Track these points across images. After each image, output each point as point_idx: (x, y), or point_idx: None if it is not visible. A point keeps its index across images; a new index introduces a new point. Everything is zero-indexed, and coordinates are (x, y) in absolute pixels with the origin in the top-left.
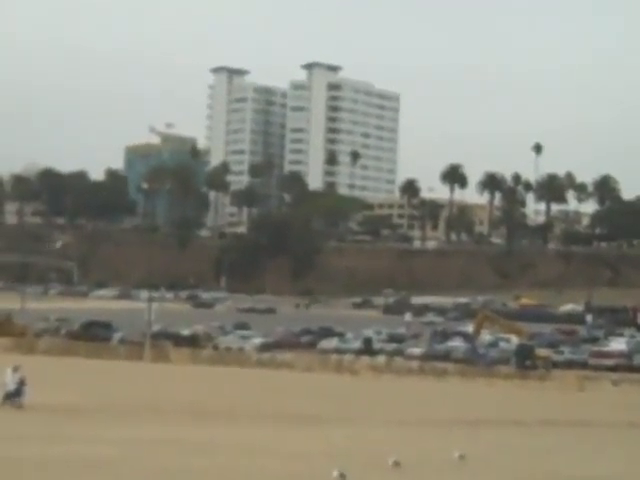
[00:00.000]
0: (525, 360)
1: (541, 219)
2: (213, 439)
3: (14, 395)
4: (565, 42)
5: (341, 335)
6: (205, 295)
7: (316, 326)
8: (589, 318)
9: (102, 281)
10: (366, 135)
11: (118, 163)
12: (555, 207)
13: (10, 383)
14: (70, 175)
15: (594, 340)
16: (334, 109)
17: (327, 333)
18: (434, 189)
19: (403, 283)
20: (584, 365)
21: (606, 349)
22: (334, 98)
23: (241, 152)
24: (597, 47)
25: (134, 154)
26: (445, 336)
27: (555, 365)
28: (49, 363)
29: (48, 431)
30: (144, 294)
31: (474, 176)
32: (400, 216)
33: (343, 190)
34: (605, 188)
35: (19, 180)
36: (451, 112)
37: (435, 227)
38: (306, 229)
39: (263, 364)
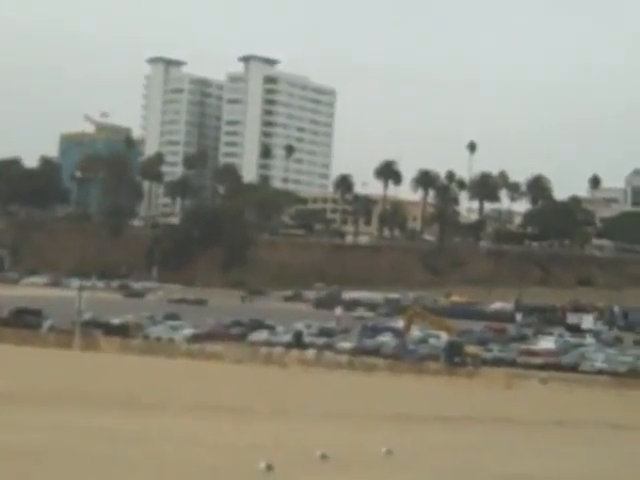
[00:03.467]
0: (454, 357)
1: (474, 217)
2: (142, 428)
3: None
4: (505, 40)
5: (271, 328)
6: (136, 285)
7: (247, 318)
8: (519, 317)
9: (33, 268)
10: (301, 129)
11: (52, 151)
12: (488, 206)
13: None
14: (3, 161)
15: (523, 338)
16: (270, 102)
17: (257, 326)
18: (368, 185)
19: (335, 278)
20: (513, 363)
21: (535, 348)
22: (270, 91)
23: (176, 143)
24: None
25: (69, 142)
26: (375, 331)
27: (484, 362)
28: None
29: None
30: (75, 282)
31: (408, 173)
32: (333, 211)
33: (277, 184)
34: (538, 188)
35: None
36: (387, 109)
37: (368, 223)
38: (239, 221)
39: (193, 355)
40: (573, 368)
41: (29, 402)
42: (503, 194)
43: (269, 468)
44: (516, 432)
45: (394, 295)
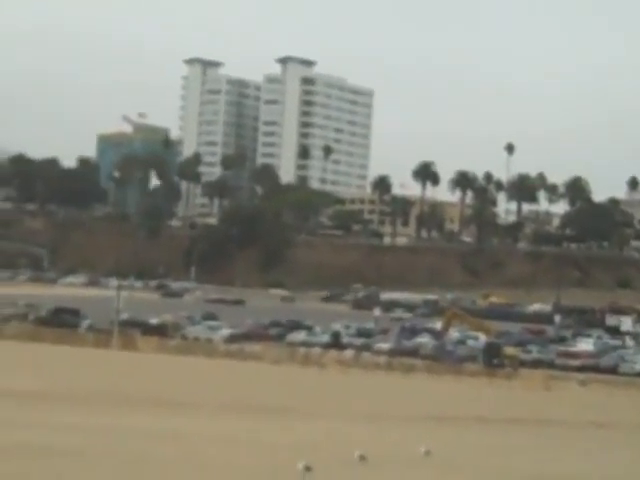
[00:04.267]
0: (493, 358)
1: (512, 218)
2: (180, 428)
3: None
4: (538, 44)
5: (310, 328)
6: (174, 285)
7: (285, 319)
8: (557, 318)
9: (72, 268)
10: (339, 130)
11: (90, 151)
12: (526, 207)
13: None
14: (42, 162)
15: (562, 340)
16: (307, 103)
17: (296, 326)
18: (406, 186)
19: (372, 278)
20: (551, 365)
21: (573, 349)
22: (308, 92)
23: (214, 144)
24: (569, 49)
25: (106, 143)
26: (413, 332)
27: (522, 364)
28: (16, 348)
29: (12, 417)
30: (113, 282)
31: (446, 174)
32: (371, 212)
33: (315, 184)
34: (576, 189)
35: None
36: (425, 110)
37: (406, 224)
38: (277, 222)
39: (231, 355)
40: (612, 370)
41: (68, 402)
42: (541, 195)
43: (308, 469)
44: (555, 434)
45: (432, 296)
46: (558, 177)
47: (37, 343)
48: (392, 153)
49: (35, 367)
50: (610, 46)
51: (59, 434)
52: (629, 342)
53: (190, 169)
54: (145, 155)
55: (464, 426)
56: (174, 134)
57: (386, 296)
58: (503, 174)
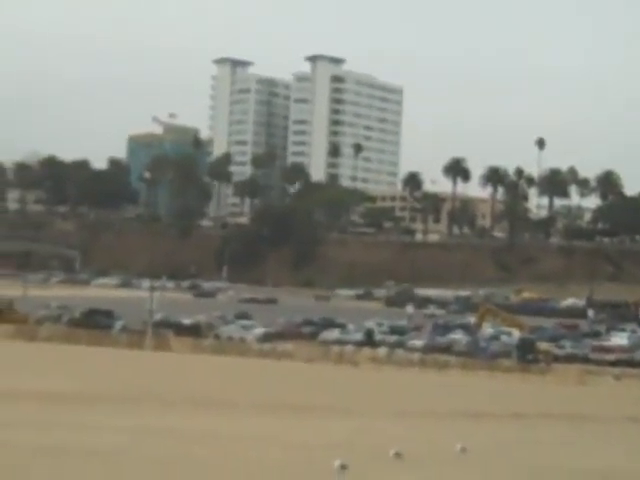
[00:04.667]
0: (526, 354)
1: (543, 213)
2: (214, 428)
3: None
4: (567, 38)
5: (342, 326)
6: (206, 285)
7: (318, 317)
8: (591, 313)
9: (104, 269)
10: (369, 128)
11: (121, 152)
12: (558, 202)
13: None
14: (72, 163)
15: (596, 335)
16: (337, 101)
17: (329, 324)
18: (437, 182)
19: (404, 276)
20: (585, 359)
21: (607, 344)
22: (337, 90)
23: (244, 143)
24: (599, 43)
25: (137, 143)
26: (447, 329)
27: (556, 359)
28: (50, 350)
29: (47, 418)
30: (146, 283)
31: (477, 170)
32: (402, 209)
33: (345, 182)
34: (608, 183)
35: (21, 168)
36: (454, 106)
37: (437, 220)
38: (308, 220)
39: (264, 354)
40: None
41: (101, 403)
42: (573, 190)
43: (343, 467)
44: (590, 428)
45: (465, 292)
46: (589, 171)
47: (71, 345)
48: (422, 150)
49: (70, 368)
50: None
51: (95, 435)
52: None
53: (221, 169)
54: (175, 155)
55: (499, 422)
56: (204, 134)
57: (419, 293)
58: (534, 169)
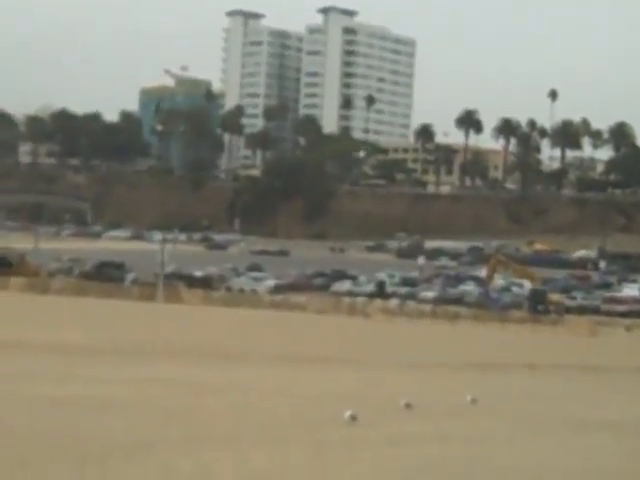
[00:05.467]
0: (538, 305)
1: (556, 165)
2: (226, 380)
3: None
4: None
5: (354, 278)
6: (218, 237)
7: (329, 269)
8: (602, 264)
9: (116, 222)
10: (381, 80)
11: (133, 105)
12: (570, 153)
13: None
14: (84, 116)
15: (607, 286)
16: (349, 53)
17: (340, 276)
18: (449, 134)
19: (416, 227)
20: (597, 311)
21: (619, 295)
22: (350, 42)
23: (256, 95)
24: None
25: (149, 96)
26: (458, 280)
27: (567, 310)
28: (62, 303)
29: (61, 371)
30: (157, 235)
31: (489, 122)
32: (414, 161)
33: (358, 134)
34: (620, 135)
35: (33, 121)
36: (467, 58)
37: (449, 172)
38: (320, 173)
39: (276, 306)
40: None
41: (113, 355)
42: (585, 142)
43: (353, 418)
44: (600, 380)
45: (476, 244)
46: (602, 123)
47: (82, 297)
48: (435, 102)
49: (81, 321)
50: None
51: (108, 387)
52: None
53: (232, 121)
54: (187, 108)
55: (510, 373)
56: (216, 86)
57: (430, 244)
58: (547, 121)
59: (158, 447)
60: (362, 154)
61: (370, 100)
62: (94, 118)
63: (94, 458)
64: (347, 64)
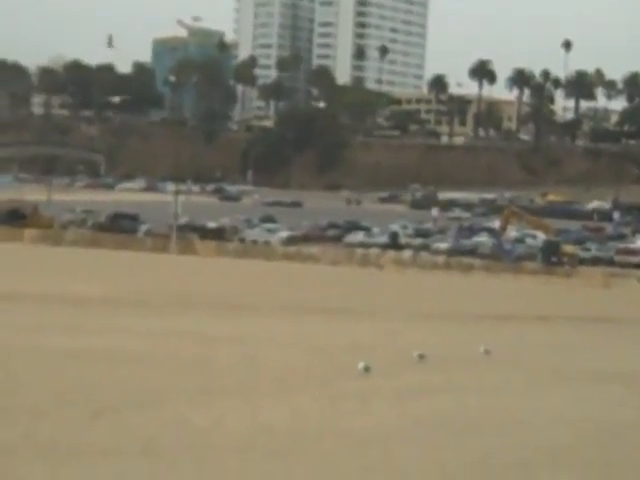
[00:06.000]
0: (551, 256)
1: (570, 116)
2: (239, 332)
3: None
4: None
5: (367, 229)
6: (231, 188)
7: (342, 220)
8: (616, 215)
9: (129, 173)
10: (394, 30)
11: (145, 56)
12: (584, 104)
13: None
14: (97, 68)
15: (621, 237)
16: (362, 3)
17: (353, 227)
18: (462, 85)
19: (430, 178)
20: (610, 262)
21: (633, 246)
22: None
23: (269, 46)
24: None
25: (161, 47)
26: (471, 231)
27: (581, 262)
28: (75, 254)
29: (75, 322)
30: (170, 187)
31: (503, 72)
32: (428, 111)
33: (371, 85)
34: (635, 85)
35: (46, 72)
36: (481, 8)
37: (463, 123)
38: (333, 123)
39: (289, 257)
40: None
41: (127, 307)
42: (599, 92)
43: (367, 369)
44: (614, 331)
45: (490, 195)
46: (616, 73)
47: (96, 249)
48: (448, 52)
49: (94, 273)
50: None
51: (121, 338)
52: None
53: (245, 72)
54: (200, 59)
55: (523, 325)
56: (229, 37)
57: (444, 196)
58: (560, 71)
59: (172, 399)
60: (375, 105)
61: (383, 50)
62: (107, 69)
63: (108, 410)
64: (360, 14)
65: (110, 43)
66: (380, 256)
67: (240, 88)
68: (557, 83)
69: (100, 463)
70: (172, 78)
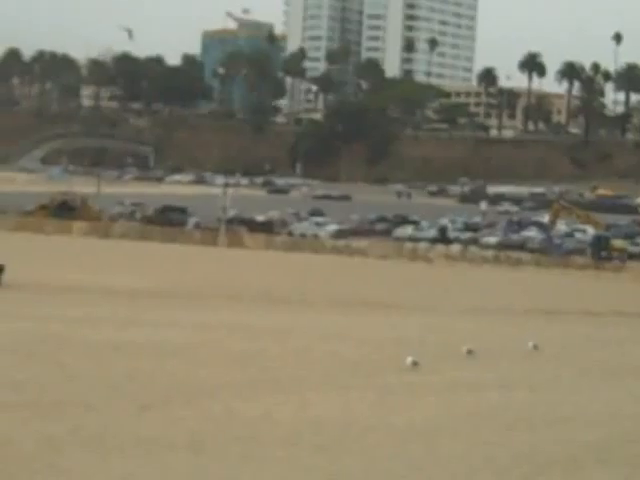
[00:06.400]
0: (601, 251)
1: (620, 109)
2: (288, 324)
3: None
4: None
5: (416, 223)
6: (280, 181)
7: (391, 214)
8: None
9: (178, 166)
10: (444, 22)
11: (195, 48)
12: (634, 97)
13: None
14: (146, 60)
15: None
16: None
17: (402, 221)
18: (512, 77)
19: (479, 172)
20: None
21: None
22: None
23: (318, 38)
24: None
25: (210, 39)
26: (521, 225)
27: (631, 257)
28: (124, 247)
29: (123, 315)
30: (219, 180)
31: (553, 65)
32: (477, 105)
33: (420, 78)
34: None
35: (95, 64)
36: (530, 1)
37: (512, 116)
38: (382, 116)
39: (337, 251)
40: None
41: (176, 300)
42: None
43: (415, 364)
44: None
45: (539, 189)
46: None
47: (145, 242)
48: (498, 45)
49: (144, 266)
50: None
51: (171, 331)
52: None
53: (295, 65)
54: (250, 51)
55: (572, 320)
56: (278, 30)
57: (493, 190)
58: (611, 64)
59: (220, 392)
60: (424, 98)
61: (433, 43)
62: (156, 62)
63: (157, 402)
64: (410, 6)
65: (130, 35)
66: (429, 250)
67: (289, 80)
68: (607, 76)
69: (147, 456)
70: (221, 70)
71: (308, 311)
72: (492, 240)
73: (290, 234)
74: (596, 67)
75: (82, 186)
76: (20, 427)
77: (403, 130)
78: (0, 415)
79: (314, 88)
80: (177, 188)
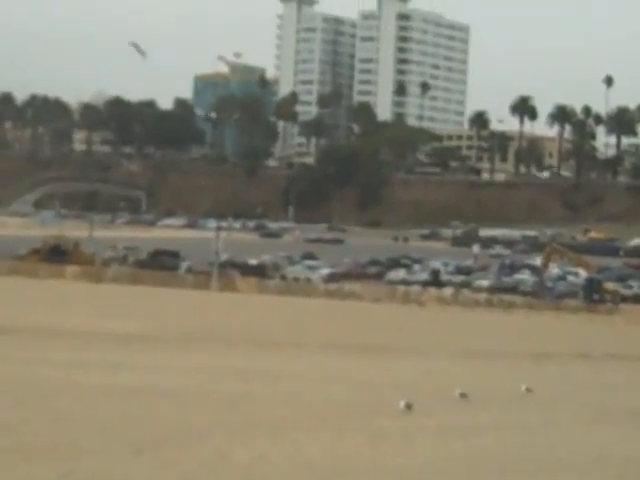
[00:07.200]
0: (593, 294)
1: (611, 152)
2: (280, 367)
3: None
4: None
5: (409, 266)
6: (272, 225)
7: (384, 257)
8: None
9: (170, 210)
10: (435, 66)
11: (187, 92)
12: (625, 140)
13: None
14: (138, 104)
15: None
16: (403, 40)
17: (395, 264)
18: (503, 121)
19: (471, 215)
20: None
21: None
22: (404, 28)
23: (310, 82)
24: None
25: (202, 83)
26: (513, 269)
27: (623, 299)
28: (116, 291)
29: (114, 359)
30: (212, 223)
31: (544, 108)
32: (469, 148)
33: (412, 121)
34: None
35: (87, 108)
36: (521, 44)
37: (504, 159)
38: (374, 160)
39: (330, 294)
40: None
41: (167, 343)
42: None
43: (408, 406)
44: None
45: (531, 232)
46: None
47: (137, 286)
48: (489, 88)
49: (136, 310)
50: None
51: (161, 375)
52: None
53: (287, 108)
54: (241, 95)
55: (565, 363)
56: (270, 73)
57: (485, 233)
58: (602, 107)
59: (213, 435)
60: (416, 142)
61: (424, 87)
62: (148, 105)
63: (149, 446)
64: (401, 50)
65: (140, 51)
66: (421, 293)
67: (281, 124)
68: (598, 119)
69: None
70: (213, 114)
71: (301, 354)
72: (484, 283)
73: (283, 278)
74: (587, 110)
75: (74, 230)
76: (8, 471)
77: (395, 174)
78: None
79: (306, 132)
80: (169, 232)
